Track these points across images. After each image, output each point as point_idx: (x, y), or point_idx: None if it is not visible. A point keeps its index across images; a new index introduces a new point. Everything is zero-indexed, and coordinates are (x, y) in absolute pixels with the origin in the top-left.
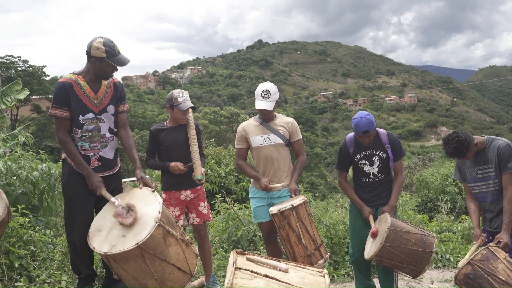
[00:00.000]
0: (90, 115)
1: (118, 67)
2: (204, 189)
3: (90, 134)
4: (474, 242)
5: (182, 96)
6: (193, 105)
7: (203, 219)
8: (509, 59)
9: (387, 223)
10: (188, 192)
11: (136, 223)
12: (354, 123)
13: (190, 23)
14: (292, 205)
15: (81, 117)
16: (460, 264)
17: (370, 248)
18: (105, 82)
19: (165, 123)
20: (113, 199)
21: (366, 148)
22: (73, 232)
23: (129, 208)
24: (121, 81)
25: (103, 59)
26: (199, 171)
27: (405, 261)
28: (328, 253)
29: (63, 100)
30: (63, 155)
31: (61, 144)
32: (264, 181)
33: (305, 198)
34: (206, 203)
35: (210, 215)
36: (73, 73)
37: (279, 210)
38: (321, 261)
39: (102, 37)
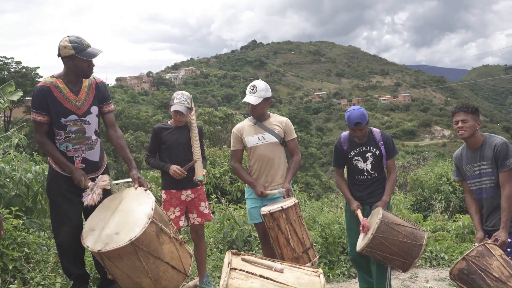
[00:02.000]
0: (73, 117)
1: (93, 61)
2: (204, 189)
3: (73, 135)
4: (475, 244)
5: (180, 98)
6: (181, 109)
7: (205, 218)
8: (502, 58)
9: (378, 215)
10: (189, 192)
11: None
12: (347, 115)
13: (184, 24)
14: (282, 207)
15: (63, 119)
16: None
17: (361, 240)
18: (86, 83)
19: (169, 122)
20: (90, 184)
21: (359, 145)
22: (59, 233)
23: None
24: (103, 81)
25: (74, 56)
26: (200, 172)
27: (396, 253)
28: (317, 257)
29: (41, 105)
30: (49, 158)
31: (39, 146)
32: (258, 188)
33: (296, 201)
34: (207, 203)
35: (211, 214)
36: (53, 76)
37: (269, 211)
38: (308, 265)
39: (68, 36)
